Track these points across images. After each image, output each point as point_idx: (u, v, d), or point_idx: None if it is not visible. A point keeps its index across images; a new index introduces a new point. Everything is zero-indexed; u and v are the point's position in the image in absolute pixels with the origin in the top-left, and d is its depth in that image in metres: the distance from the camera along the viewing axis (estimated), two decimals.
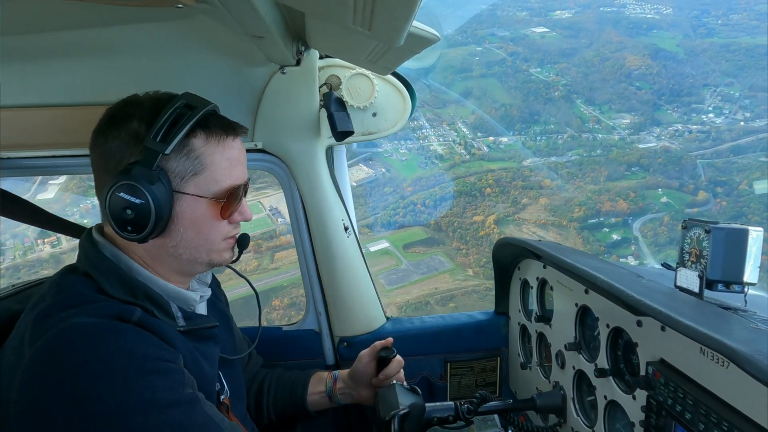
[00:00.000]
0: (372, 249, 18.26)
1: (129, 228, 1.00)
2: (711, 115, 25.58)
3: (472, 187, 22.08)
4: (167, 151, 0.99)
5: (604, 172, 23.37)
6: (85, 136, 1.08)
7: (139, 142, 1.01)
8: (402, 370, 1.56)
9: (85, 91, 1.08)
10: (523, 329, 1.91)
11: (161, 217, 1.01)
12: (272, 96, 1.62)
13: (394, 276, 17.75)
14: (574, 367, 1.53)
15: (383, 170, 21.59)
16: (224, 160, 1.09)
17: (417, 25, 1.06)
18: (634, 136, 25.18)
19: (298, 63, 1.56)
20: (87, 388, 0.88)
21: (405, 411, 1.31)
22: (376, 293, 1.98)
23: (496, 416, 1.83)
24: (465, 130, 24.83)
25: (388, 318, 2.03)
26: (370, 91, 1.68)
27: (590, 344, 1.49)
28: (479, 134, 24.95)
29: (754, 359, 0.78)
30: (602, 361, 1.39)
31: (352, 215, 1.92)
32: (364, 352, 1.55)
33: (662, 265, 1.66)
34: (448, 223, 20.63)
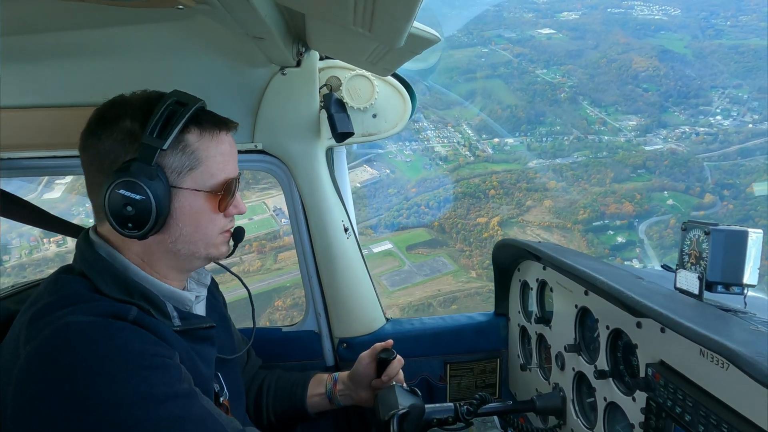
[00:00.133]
0: (375, 250, 18.28)
1: (130, 225, 1.01)
2: (719, 117, 25.39)
3: (476, 189, 22.05)
4: (165, 147, 1.01)
5: (610, 174, 23.26)
6: None
7: (134, 139, 1.02)
8: (401, 371, 1.56)
9: (86, 92, 1.09)
10: (523, 331, 1.91)
11: (161, 213, 1.02)
12: (272, 97, 1.63)
13: (397, 277, 17.76)
14: (573, 369, 1.52)
15: (387, 171, 21.62)
16: (218, 155, 1.12)
17: (417, 26, 1.06)
18: (640, 138, 25.05)
19: (298, 64, 1.56)
20: (84, 385, 0.88)
21: (404, 411, 1.31)
22: (376, 294, 1.98)
23: (495, 418, 1.83)
24: (469, 131, 24.80)
25: (387, 319, 2.03)
26: (370, 92, 1.68)
27: (590, 346, 1.49)
28: (484, 136, 24.91)
29: (754, 361, 0.78)
30: (602, 362, 1.38)
31: (352, 216, 1.92)
32: (364, 354, 1.55)
33: (662, 266, 1.65)
34: (451, 224, 20.61)
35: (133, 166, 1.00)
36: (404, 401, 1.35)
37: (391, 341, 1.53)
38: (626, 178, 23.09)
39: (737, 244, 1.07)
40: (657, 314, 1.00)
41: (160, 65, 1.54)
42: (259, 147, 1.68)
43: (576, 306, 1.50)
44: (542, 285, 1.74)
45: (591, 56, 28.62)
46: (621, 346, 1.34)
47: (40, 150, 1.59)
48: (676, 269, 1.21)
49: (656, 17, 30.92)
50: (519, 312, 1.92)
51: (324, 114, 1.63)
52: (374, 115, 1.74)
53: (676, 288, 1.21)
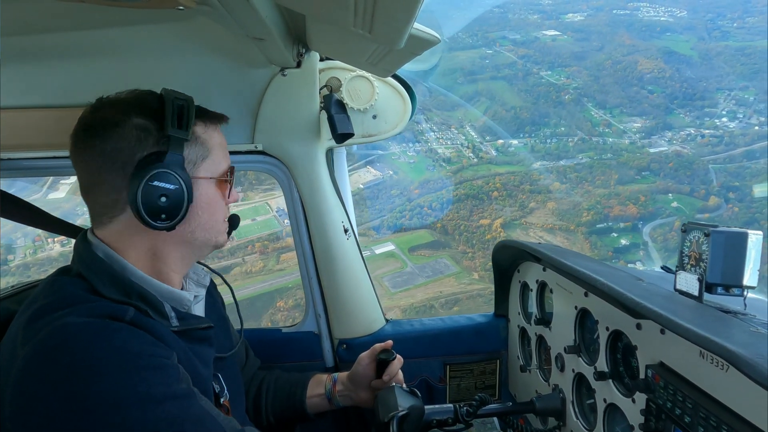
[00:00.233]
0: (377, 251, 18.25)
1: (163, 216, 1.04)
2: (725, 119, 25.20)
3: (480, 191, 22.00)
4: (188, 137, 1.07)
5: (614, 175, 23.14)
6: None
7: (149, 134, 1.05)
8: (401, 372, 1.56)
9: (86, 93, 1.09)
10: (523, 332, 1.90)
11: (190, 201, 1.08)
12: (273, 98, 1.63)
13: (399, 279, 17.73)
14: (573, 370, 1.52)
15: (391, 173, 21.61)
16: (219, 145, 1.19)
17: (418, 27, 1.06)
18: (645, 140, 24.90)
19: (298, 65, 1.56)
20: (82, 386, 0.88)
21: (404, 413, 1.31)
22: (376, 295, 1.98)
23: (495, 419, 1.83)
24: (473, 133, 24.77)
25: (387, 320, 2.03)
26: (370, 93, 1.69)
27: (590, 347, 1.48)
28: (487, 138, 24.87)
29: (754, 362, 0.77)
30: (602, 364, 1.38)
31: (352, 217, 1.93)
32: (364, 355, 1.55)
33: (662, 268, 1.64)
34: (454, 226, 20.56)
35: (168, 157, 1.05)
36: (404, 402, 1.35)
37: (390, 342, 1.53)
38: (630, 180, 22.96)
39: (737, 245, 1.07)
40: (657, 316, 1.00)
41: (160, 66, 1.55)
42: (259, 148, 1.68)
43: (576, 307, 1.50)
44: (542, 286, 1.74)
45: (596, 58, 28.51)
46: (621, 348, 1.33)
47: (40, 150, 1.59)
48: (676, 271, 1.21)
49: (662, 19, 30.76)
50: (519, 313, 1.92)
51: (324, 115, 1.63)
52: (374, 116, 1.74)
53: (676, 289, 1.20)
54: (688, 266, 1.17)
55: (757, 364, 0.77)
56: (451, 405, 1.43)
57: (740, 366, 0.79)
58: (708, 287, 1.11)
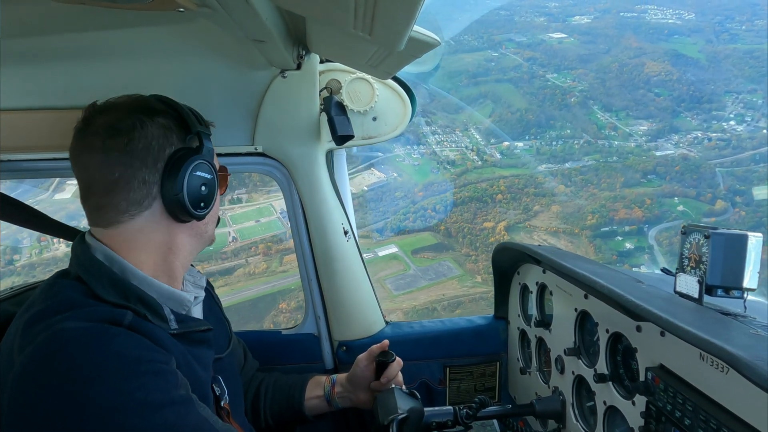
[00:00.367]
0: (380, 254, 18.23)
1: (202, 204, 1.13)
2: (732, 122, 24.95)
3: (484, 193, 21.92)
4: (210, 132, 1.20)
5: (620, 178, 22.97)
6: None
7: (171, 132, 1.12)
8: (401, 374, 1.55)
9: (86, 95, 1.10)
10: (523, 334, 1.89)
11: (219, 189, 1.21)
12: (273, 100, 1.64)
13: (402, 281, 17.67)
14: (573, 373, 1.51)
15: (395, 175, 21.61)
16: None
17: (418, 29, 1.06)
18: (651, 143, 24.72)
19: (298, 67, 1.57)
20: (79, 392, 0.87)
21: (404, 415, 1.31)
22: (376, 297, 1.98)
23: (495, 421, 1.82)
24: (478, 136, 24.73)
25: (387, 322, 2.03)
26: (370, 95, 1.69)
27: (590, 349, 1.48)
28: (492, 140, 24.80)
29: (754, 365, 0.77)
30: (602, 366, 1.37)
31: (352, 219, 1.93)
32: (362, 356, 1.54)
33: (662, 270, 1.63)
34: (458, 229, 20.49)
35: (204, 149, 1.14)
36: (403, 405, 1.35)
37: (386, 342, 1.53)
38: (636, 184, 22.78)
39: (737, 247, 1.06)
40: (657, 318, 0.99)
41: (160, 68, 1.55)
42: (259, 149, 1.69)
43: (576, 309, 1.49)
44: (542, 288, 1.73)
45: (602, 60, 28.37)
46: (621, 350, 1.33)
47: (40, 152, 1.59)
48: (676, 273, 1.20)
49: (670, 21, 30.56)
50: (519, 315, 1.91)
51: (324, 117, 1.64)
52: (374, 118, 1.75)
53: (676, 292, 1.19)
54: (688, 268, 1.16)
55: (757, 366, 0.76)
56: (450, 407, 1.43)
57: (740, 368, 0.79)
58: (708, 289, 1.10)
